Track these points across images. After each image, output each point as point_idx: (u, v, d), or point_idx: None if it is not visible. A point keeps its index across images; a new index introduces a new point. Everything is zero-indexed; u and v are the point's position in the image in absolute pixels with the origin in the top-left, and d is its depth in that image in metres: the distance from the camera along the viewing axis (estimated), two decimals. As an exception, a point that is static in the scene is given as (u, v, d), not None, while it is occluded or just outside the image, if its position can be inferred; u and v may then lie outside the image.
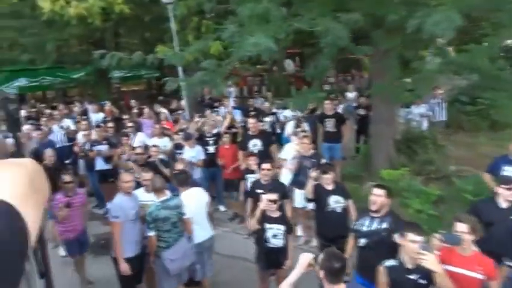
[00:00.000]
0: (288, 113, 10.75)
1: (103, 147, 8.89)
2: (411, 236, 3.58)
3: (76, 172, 10.39)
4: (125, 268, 5.09)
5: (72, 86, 19.10)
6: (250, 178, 6.85)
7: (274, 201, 4.96)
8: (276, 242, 5.04)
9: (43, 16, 10.24)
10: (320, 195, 5.53)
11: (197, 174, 8.02)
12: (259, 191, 5.97)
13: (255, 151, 7.50)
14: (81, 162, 9.84)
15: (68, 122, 10.54)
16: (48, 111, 12.34)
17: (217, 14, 10.37)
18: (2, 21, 15.57)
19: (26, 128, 11.00)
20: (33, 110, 13.83)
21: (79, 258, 6.27)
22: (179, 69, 10.48)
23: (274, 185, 6.02)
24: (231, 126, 9.31)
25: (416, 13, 4.60)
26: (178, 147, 8.53)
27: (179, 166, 6.46)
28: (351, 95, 15.70)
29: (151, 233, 5.00)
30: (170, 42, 12.18)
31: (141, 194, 5.69)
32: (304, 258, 3.28)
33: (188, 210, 5.27)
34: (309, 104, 9.90)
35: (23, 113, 13.66)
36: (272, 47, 4.83)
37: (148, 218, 4.99)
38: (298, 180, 6.74)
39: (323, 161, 6.85)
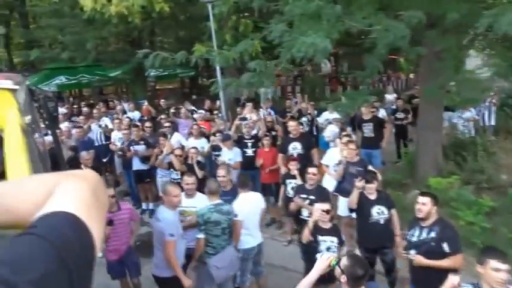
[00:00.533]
0: (326, 115, 10.42)
1: (140, 147, 8.81)
2: (494, 263, 3.13)
3: (113, 170, 10.44)
4: (189, 283, 4.74)
5: (109, 84, 19.33)
6: (290, 183, 6.59)
7: (327, 212, 4.67)
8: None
9: (84, 14, 10.31)
10: (362, 205, 5.32)
11: (234, 176, 7.82)
12: (303, 196, 5.73)
13: (295, 154, 7.22)
14: (117, 161, 9.84)
15: (106, 121, 10.56)
16: (86, 109, 12.43)
17: (259, 13, 10.22)
18: (43, 20, 15.95)
19: (65, 125, 11.14)
20: (74, 107, 13.99)
21: (124, 281, 5.60)
22: (218, 69, 10.30)
23: (319, 191, 5.76)
24: (270, 128, 9.05)
25: (486, 11, 4.22)
26: (215, 148, 8.35)
27: (221, 172, 6.12)
28: (390, 97, 15.18)
29: (200, 235, 4.81)
30: (207, 41, 12.08)
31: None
32: (325, 259, 3.19)
33: (240, 213, 5.06)
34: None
35: (61, 110, 13.91)
36: (328, 47, 4.56)
37: (200, 220, 4.81)
38: (343, 187, 6.43)
39: (369, 167, 6.50)
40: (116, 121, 10.04)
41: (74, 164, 7.48)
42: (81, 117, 11.17)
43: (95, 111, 10.91)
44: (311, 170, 5.82)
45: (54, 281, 0.58)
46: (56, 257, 0.60)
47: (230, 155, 7.81)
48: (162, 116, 10.74)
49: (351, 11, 5.37)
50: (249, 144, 8.25)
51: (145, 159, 8.82)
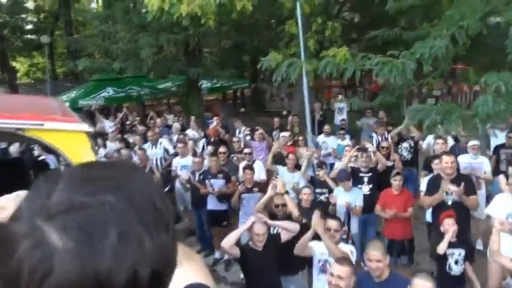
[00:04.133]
0: (431, 139, 8.19)
1: (218, 182, 6.94)
2: None
3: (174, 202, 8.61)
4: None
5: (160, 98, 17.75)
6: (453, 256, 4.54)
7: None
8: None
9: (148, 16, 8.62)
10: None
11: (355, 225, 5.84)
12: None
13: (449, 202, 5.11)
14: (180, 192, 8.01)
15: (165, 143, 8.74)
16: (141, 127, 10.68)
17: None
18: (91, 27, 14.54)
19: (115, 146, 9.43)
20: (127, 123, 12.28)
21: None
22: (304, 82, 8.35)
23: None
24: (386, 157, 6.94)
25: None
26: (319, 185, 6.39)
27: (334, 224, 4.19)
28: None
29: None
30: (285, 48, 10.21)
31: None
32: None
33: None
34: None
35: (108, 124, 12.29)
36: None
37: None
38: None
39: None
40: (180, 145, 8.19)
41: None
42: (136, 138, 9.37)
43: (149, 133, 9.07)
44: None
45: None
46: None
47: (347, 198, 5.79)
48: (235, 139, 8.81)
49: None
50: (366, 179, 6.23)
51: (223, 197, 6.95)
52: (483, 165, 6.76)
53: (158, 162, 8.56)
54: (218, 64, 17.69)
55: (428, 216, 5.81)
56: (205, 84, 16.94)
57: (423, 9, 8.50)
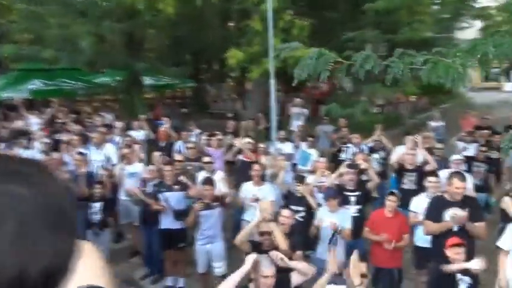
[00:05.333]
0: (401, 149, 7.69)
1: (176, 195, 5.84)
2: None
3: (115, 218, 7.35)
4: None
5: (96, 93, 16.02)
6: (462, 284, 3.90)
7: None
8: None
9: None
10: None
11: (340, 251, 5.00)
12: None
13: (455, 228, 4.46)
14: (125, 207, 6.80)
15: (109, 149, 7.43)
16: (76, 127, 9.16)
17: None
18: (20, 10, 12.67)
19: (39, 146, 7.92)
20: (58, 120, 10.57)
21: None
22: (272, 83, 7.46)
23: None
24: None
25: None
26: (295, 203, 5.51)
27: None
28: (437, 124, 12.72)
29: None
30: (247, 46, 9.27)
31: None
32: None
33: None
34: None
35: (34, 121, 10.60)
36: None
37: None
38: None
39: None
40: (126, 150, 6.95)
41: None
42: (73, 138, 7.91)
43: (94, 134, 7.69)
44: None
45: None
46: None
47: (333, 219, 4.95)
48: (189, 145, 7.68)
49: None
50: (352, 199, 5.45)
51: (180, 214, 5.87)
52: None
53: (96, 170, 7.23)
54: (161, 60, 16.24)
55: (420, 241, 5.14)
56: (148, 81, 15.51)
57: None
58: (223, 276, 5.54)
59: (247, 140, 7.68)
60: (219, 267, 5.49)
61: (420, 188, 5.93)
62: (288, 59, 9.13)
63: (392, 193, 4.88)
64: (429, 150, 7.35)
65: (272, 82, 7.42)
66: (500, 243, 4.22)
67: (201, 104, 23.04)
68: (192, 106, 22.61)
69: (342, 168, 5.90)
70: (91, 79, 15.80)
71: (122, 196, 6.87)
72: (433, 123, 12.29)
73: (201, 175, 6.75)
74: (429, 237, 4.78)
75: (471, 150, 8.12)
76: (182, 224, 5.90)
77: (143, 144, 8.68)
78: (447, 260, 4.28)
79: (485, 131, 9.21)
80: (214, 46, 18.58)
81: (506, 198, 5.10)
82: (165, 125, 8.61)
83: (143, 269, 6.66)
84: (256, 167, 6.04)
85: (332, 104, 10.74)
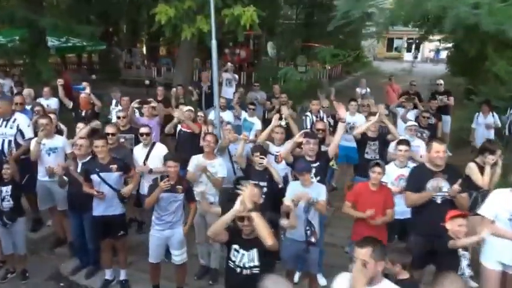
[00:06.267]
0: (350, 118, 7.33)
1: (112, 176, 4.90)
2: None
3: (32, 202, 6.20)
4: None
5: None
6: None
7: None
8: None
9: None
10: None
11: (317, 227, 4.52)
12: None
13: (438, 201, 4.19)
14: (51, 190, 5.66)
15: (20, 120, 6.07)
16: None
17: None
18: None
19: None
20: None
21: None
22: (213, 43, 6.62)
23: None
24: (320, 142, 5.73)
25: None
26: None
27: None
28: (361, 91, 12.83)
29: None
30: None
31: None
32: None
33: None
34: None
35: None
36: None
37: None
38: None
39: None
40: (44, 120, 5.71)
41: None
42: None
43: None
44: None
45: None
46: None
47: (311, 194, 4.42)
48: (120, 114, 6.59)
49: None
50: (312, 171, 4.94)
51: (120, 197, 4.96)
52: (419, 148, 6.12)
53: (6, 146, 5.92)
54: (66, 17, 14.17)
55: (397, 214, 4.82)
56: (51, 42, 13.51)
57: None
58: (182, 265, 4.86)
59: (188, 107, 6.80)
60: (179, 254, 4.76)
61: (381, 158, 5.66)
62: (225, 17, 8.38)
63: (377, 164, 4.46)
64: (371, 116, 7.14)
65: (214, 42, 6.57)
66: (482, 211, 4.01)
67: (111, 71, 21.17)
68: (101, 72, 20.66)
69: (298, 137, 5.37)
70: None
71: (40, 176, 5.70)
72: (359, 90, 12.31)
73: (137, 149, 5.87)
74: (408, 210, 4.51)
75: (410, 116, 8.11)
76: (122, 209, 5.02)
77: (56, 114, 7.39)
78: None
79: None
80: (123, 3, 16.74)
81: (471, 164, 4.98)
82: (86, 91, 7.33)
83: (73, 261, 5.66)
84: (208, 138, 5.28)
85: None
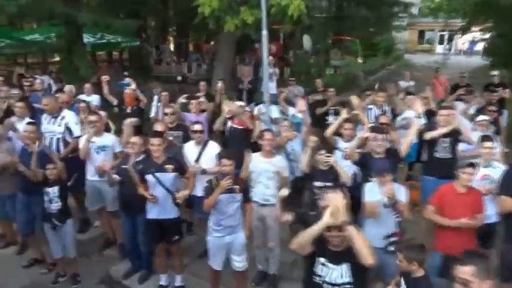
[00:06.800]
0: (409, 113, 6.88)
1: (168, 177, 4.60)
2: None
3: (80, 201, 6.01)
4: None
5: (27, 53, 13.68)
6: None
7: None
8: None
9: None
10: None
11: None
12: None
13: None
14: (101, 190, 5.42)
15: (69, 118, 5.85)
16: (15, 91, 7.34)
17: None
18: None
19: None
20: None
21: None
22: (264, 34, 6.27)
23: None
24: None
25: None
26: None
27: None
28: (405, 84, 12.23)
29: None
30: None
31: None
32: None
33: None
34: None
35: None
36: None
37: None
38: None
39: None
40: (93, 117, 5.47)
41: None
42: (18, 105, 6.16)
43: (45, 100, 6.03)
44: None
45: None
46: None
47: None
48: (167, 110, 6.30)
49: None
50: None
51: (175, 200, 4.67)
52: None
53: (55, 145, 5.73)
54: (102, 12, 14.02)
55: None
56: (86, 38, 13.41)
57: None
58: (243, 272, 4.55)
59: (239, 103, 6.46)
60: (240, 261, 4.44)
61: (454, 157, 5.19)
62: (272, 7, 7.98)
63: (471, 164, 4.00)
64: (431, 113, 6.65)
65: (265, 33, 6.21)
66: None
67: (142, 67, 21.07)
68: (132, 69, 20.60)
69: (365, 133, 4.99)
70: (19, 36, 13.42)
71: (89, 176, 5.48)
72: (403, 84, 11.71)
73: (188, 148, 5.55)
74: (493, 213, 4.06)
75: (471, 110, 7.55)
76: (177, 213, 4.73)
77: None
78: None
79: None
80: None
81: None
82: (131, 87, 7.08)
83: (123, 264, 5.43)
84: (267, 135, 4.92)
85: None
